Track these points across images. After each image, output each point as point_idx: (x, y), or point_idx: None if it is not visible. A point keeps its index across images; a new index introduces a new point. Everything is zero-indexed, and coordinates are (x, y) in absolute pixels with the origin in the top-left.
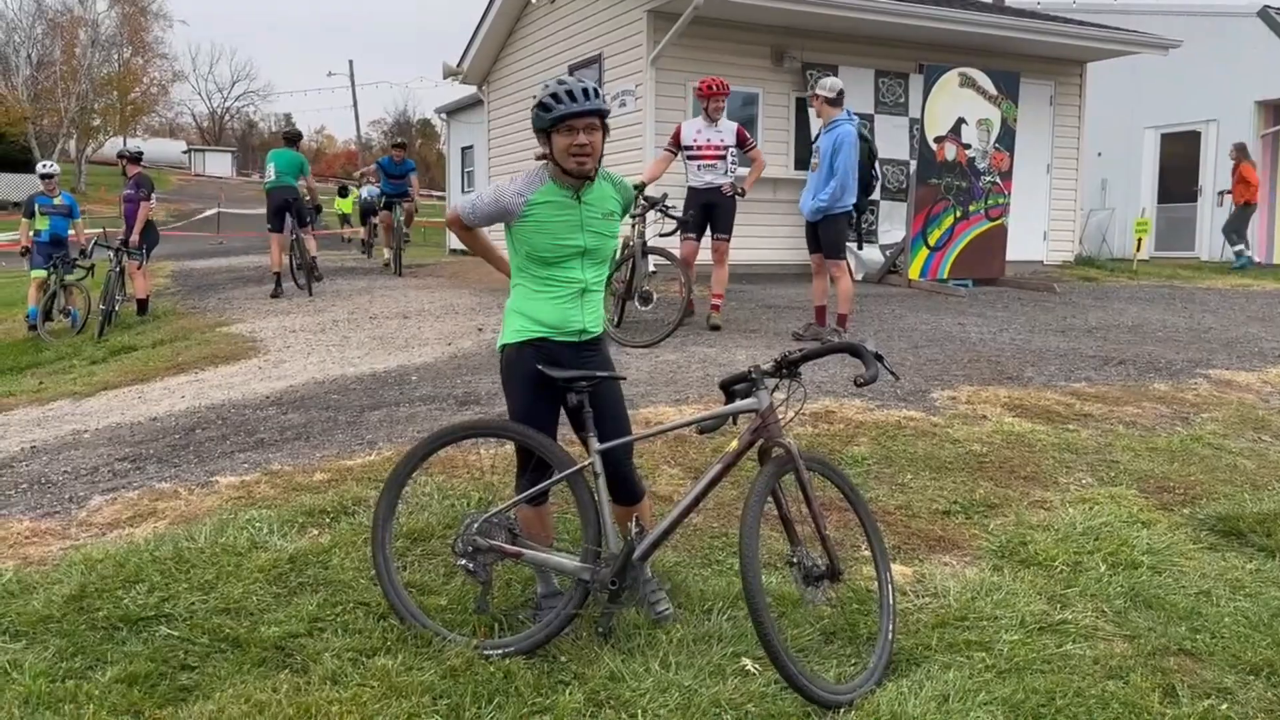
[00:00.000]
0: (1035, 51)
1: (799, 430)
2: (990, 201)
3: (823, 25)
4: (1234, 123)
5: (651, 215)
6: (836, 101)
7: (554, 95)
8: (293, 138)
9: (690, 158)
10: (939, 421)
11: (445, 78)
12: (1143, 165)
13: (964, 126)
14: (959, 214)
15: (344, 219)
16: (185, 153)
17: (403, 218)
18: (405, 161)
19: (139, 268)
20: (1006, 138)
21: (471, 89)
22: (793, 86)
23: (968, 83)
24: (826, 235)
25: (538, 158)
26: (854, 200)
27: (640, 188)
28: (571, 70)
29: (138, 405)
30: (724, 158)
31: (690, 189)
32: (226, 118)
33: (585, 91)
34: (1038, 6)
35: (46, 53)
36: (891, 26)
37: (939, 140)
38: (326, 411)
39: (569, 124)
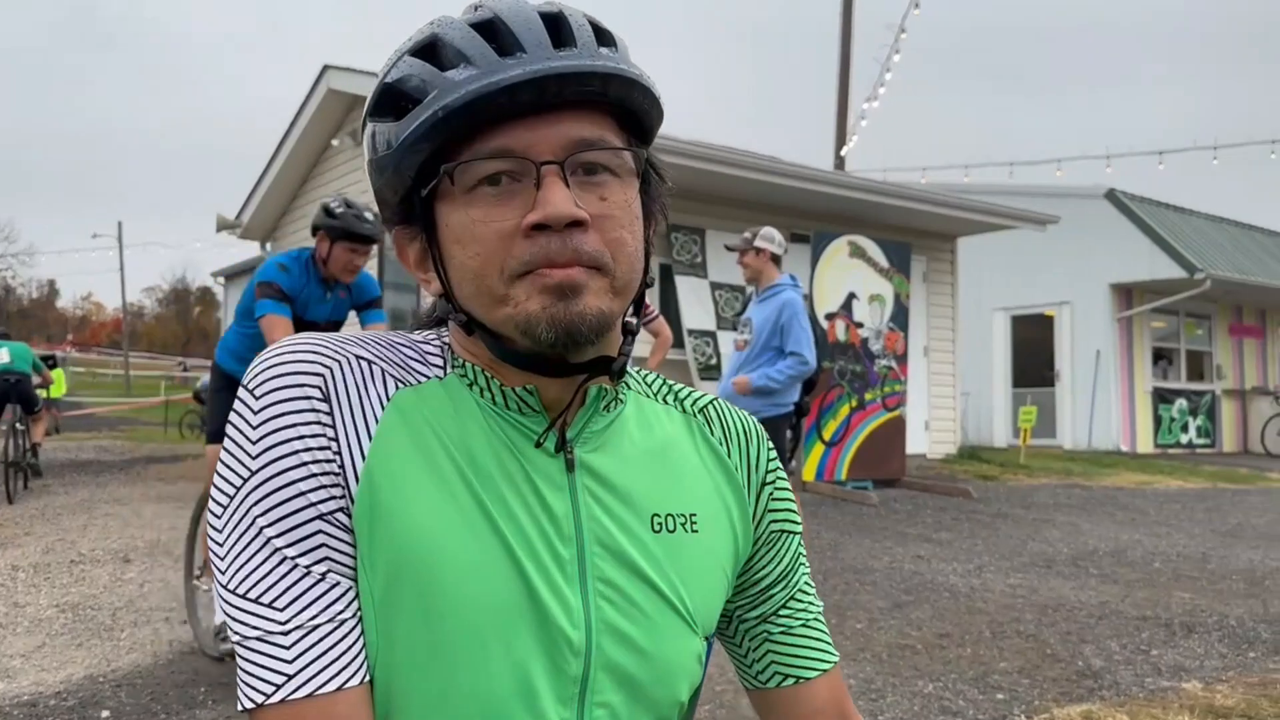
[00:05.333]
0: (905, 222)
1: None
2: (887, 389)
3: (688, 183)
4: (1087, 305)
5: None
6: (779, 260)
7: (437, 40)
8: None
9: None
10: None
11: (220, 230)
12: (994, 348)
13: (855, 302)
14: (855, 403)
15: (51, 404)
16: None
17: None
18: None
19: None
20: (900, 316)
21: (254, 248)
22: (655, 251)
23: (858, 253)
24: None
25: (421, 322)
26: (795, 398)
27: None
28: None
29: None
30: None
31: None
32: None
33: (555, 24)
34: (884, 178)
35: None
36: (764, 189)
37: (830, 317)
38: None
39: (509, 133)
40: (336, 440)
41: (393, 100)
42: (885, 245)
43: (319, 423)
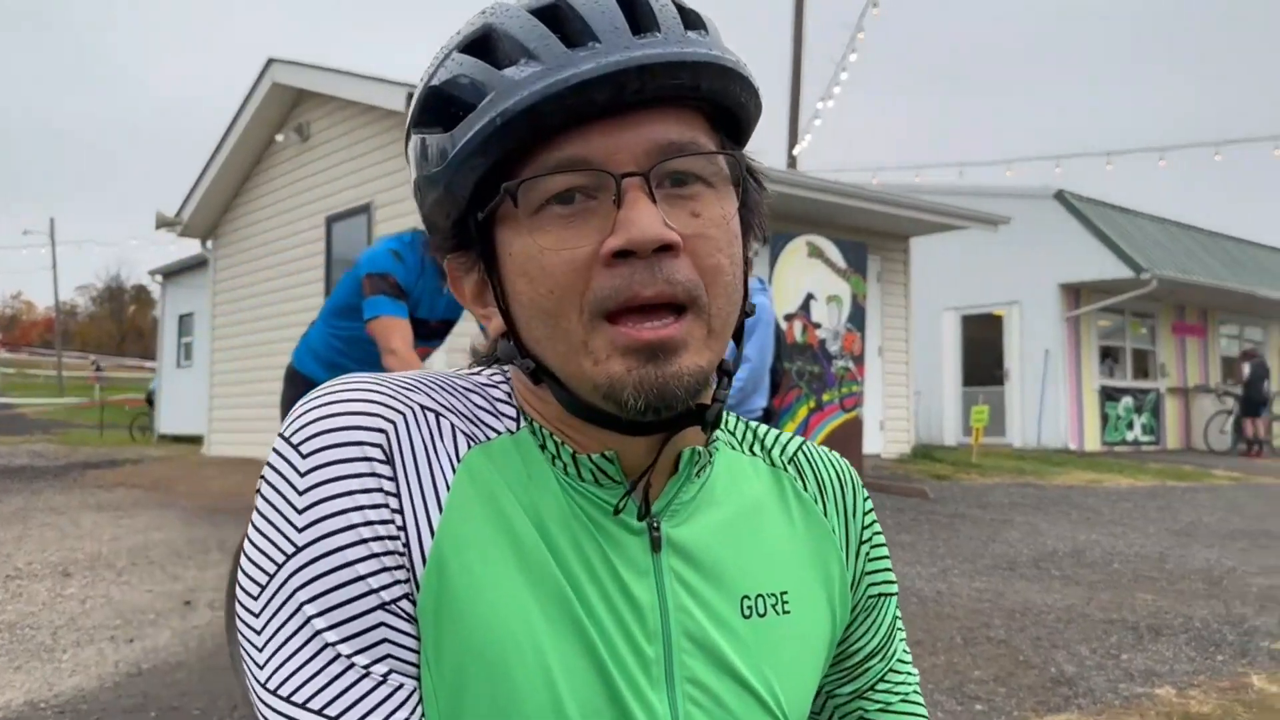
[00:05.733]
0: (859, 223)
1: None
2: (844, 390)
3: None
4: (1037, 305)
5: None
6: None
7: (491, 32)
8: None
9: None
10: None
11: (159, 228)
12: (943, 347)
13: (813, 303)
14: (813, 405)
15: None
16: None
17: None
18: None
19: None
20: (857, 316)
21: (194, 246)
22: None
23: (816, 253)
24: None
25: (481, 358)
26: (764, 403)
27: None
28: (331, 223)
29: None
30: None
31: None
32: None
33: (632, 5)
34: (836, 178)
35: None
36: None
37: (789, 318)
38: None
39: (582, 140)
40: (401, 512)
41: (440, 106)
42: (842, 245)
43: (381, 490)
